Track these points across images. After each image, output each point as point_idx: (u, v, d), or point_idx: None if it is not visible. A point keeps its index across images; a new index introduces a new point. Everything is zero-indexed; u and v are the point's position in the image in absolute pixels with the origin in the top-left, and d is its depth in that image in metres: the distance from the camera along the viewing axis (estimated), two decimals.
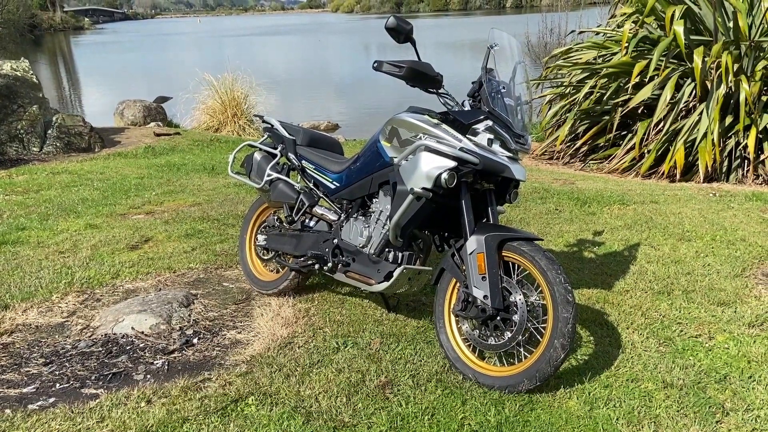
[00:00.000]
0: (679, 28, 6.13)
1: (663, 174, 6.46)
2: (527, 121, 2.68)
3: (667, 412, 2.31)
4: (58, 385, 2.56)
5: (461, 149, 2.47)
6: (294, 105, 16.28)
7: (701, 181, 6.13)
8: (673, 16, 6.22)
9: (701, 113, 6.26)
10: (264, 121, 3.51)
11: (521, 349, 2.45)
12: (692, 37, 6.66)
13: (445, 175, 2.46)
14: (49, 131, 8.61)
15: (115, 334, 2.96)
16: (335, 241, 3.02)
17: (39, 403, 2.44)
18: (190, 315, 3.16)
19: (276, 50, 39.60)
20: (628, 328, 2.92)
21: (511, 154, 2.53)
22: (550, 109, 8.14)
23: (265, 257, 3.46)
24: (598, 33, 8.33)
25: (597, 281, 3.48)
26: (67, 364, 2.72)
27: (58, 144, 8.56)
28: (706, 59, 6.15)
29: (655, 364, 2.62)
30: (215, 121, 10.82)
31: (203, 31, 73.30)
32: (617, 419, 2.28)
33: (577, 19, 13.54)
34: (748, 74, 6.24)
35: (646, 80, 6.64)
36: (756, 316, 3.01)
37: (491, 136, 2.51)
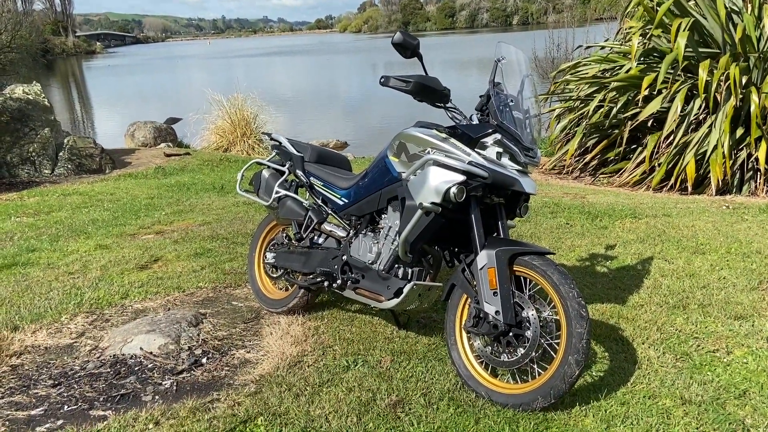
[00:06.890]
0: (682, 40, 6.11)
1: (674, 187, 6.41)
2: (536, 134, 2.66)
3: (686, 429, 2.25)
4: (66, 407, 2.54)
5: (470, 163, 2.45)
6: (303, 123, 16.38)
7: (713, 193, 6.07)
8: (679, 28, 6.20)
9: (711, 126, 6.22)
10: (272, 139, 3.51)
11: (535, 366, 2.40)
12: (701, 49, 6.64)
13: (454, 190, 2.43)
14: (61, 153, 8.70)
15: (123, 354, 2.94)
16: (344, 257, 2.99)
17: (47, 425, 2.41)
18: (198, 335, 3.14)
19: (285, 70, 40.00)
20: (643, 344, 2.86)
21: (520, 168, 2.50)
22: (558, 123, 8.12)
23: (274, 275, 3.44)
24: (604, 47, 8.33)
25: (611, 296, 3.43)
26: (75, 385, 2.70)
27: (69, 166, 8.64)
28: (714, 71, 6.12)
29: (672, 380, 2.56)
30: (225, 141, 10.89)
31: (213, 52, 74.20)
32: None
33: (583, 35, 13.57)
34: (758, 85, 6.20)
35: (655, 93, 6.62)
36: None
37: (500, 150, 2.48)
